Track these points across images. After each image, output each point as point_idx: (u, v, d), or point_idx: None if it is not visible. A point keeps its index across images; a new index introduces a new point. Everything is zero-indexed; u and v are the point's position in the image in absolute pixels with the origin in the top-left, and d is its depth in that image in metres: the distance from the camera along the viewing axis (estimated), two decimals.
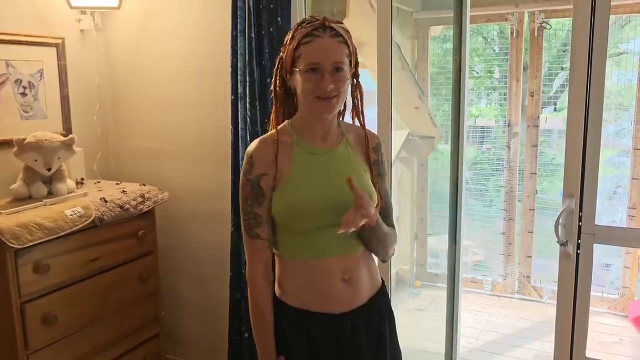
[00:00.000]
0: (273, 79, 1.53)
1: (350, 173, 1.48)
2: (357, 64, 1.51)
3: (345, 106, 1.56)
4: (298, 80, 1.43)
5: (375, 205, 1.52)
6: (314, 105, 1.43)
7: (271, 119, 1.58)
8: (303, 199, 1.44)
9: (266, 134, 1.54)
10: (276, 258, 1.56)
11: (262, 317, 1.50)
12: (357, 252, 1.51)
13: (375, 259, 1.62)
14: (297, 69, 1.42)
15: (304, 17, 1.52)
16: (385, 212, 1.60)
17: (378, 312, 1.56)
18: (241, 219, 1.51)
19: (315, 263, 1.47)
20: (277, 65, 1.51)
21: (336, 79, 1.40)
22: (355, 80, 1.52)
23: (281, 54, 1.50)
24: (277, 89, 1.52)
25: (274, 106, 1.57)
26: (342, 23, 1.47)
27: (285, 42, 1.48)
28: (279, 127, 1.53)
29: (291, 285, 1.51)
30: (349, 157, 1.53)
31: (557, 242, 2.00)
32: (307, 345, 1.48)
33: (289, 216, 1.46)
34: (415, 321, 4.35)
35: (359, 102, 1.55)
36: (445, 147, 5.12)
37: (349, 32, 1.47)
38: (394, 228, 1.63)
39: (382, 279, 1.63)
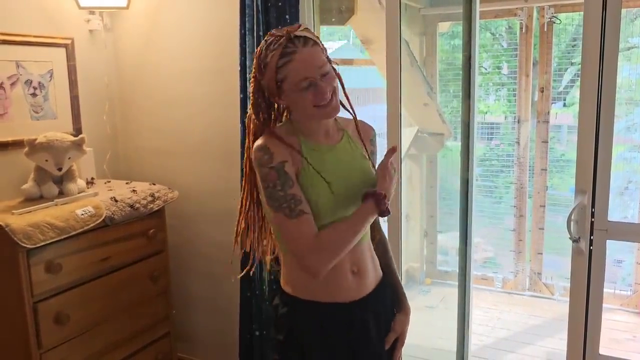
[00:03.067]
0: (251, 101, 1.48)
1: (357, 166, 1.53)
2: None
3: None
4: (293, 100, 1.41)
5: None
6: (317, 114, 1.42)
7: (248, 132, 1.53)
8: (318, 200, 1.43)
9: (267, 136, 1.48)
10: (282, 255, 1.57)
11: (334, 231, 1.42)
12: (363, 242, 1.53)
13: None
14: (286, 90, 1.39)
15: (265, 38, 1.43)
16: None
17: (382, 303, 1.59)
18: (276, 210, 1.40)
19: None
20: (255, 89, 1.46)
21: (327, 81, 1.40)
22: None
23: (258, 78, 1.44)
24: (261, 111, 1.48)
25: (248, 127, 1.53)
26: (299, 24, 1.45)
27: (259, 67, 1.42)
28: (276, 129, 1.49)
29: (300, 280, 1.51)
30: (352, 151, 1.55)
31: (570, 238, 1.98)
32: (318, 333, 1.49)
33: None
34: (425, 319, 4.33)
35: (342, 86, 1.51)
36: (454, 144, 5.11)
37: (310, 29, 1.45)
38: None
39: (383, 269, 1.65)
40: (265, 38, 1.43)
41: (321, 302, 1.49)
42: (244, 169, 1.58)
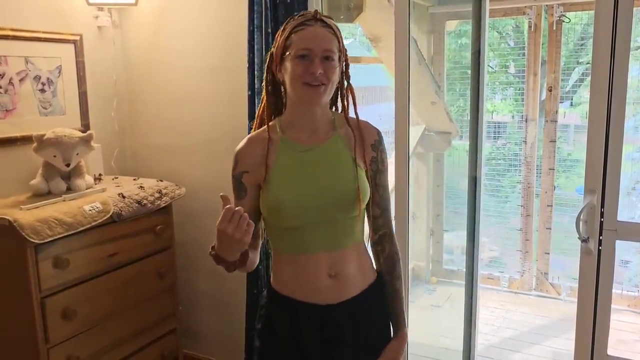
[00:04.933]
0: (264, 74, 1.53)
1: (337, 169, 1.48)
2: (347, 64, 1.50)
3: (338, 106, 1.56)
4: (287, 68, 1.42)
5: (367, 200, 1.51)
6: (302, 92, 1.41)
7: (257, 115, 1.59)
8: (284, 199, 1.44)
9: (255, 132, 1.54)
10: (272, 251, 1.59)
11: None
12: (345, 247, 1.50)
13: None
14: (287, 55, 1.42)
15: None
16: (383, 205, 1.58)
17: (367, 311, 1.54)
18: None
19: (301, 257, 1.48)
20: (268, 61, 1.51)
21: (326, 67, 1.40)
22: (346, 82, 1.52)
23: (272, 49, 1.50)
24: (267, 84, 1.52)
25: (261, 103, 1.56)
26: (332, 19, 1.48)
27: (276, 36, 1.49)
28: (270, 124, 1.52)
29: (281, 276, 1.54)
30: (338, 153, 1.50)
31: (579, 238, 1.97)
32: (292, 330, 1.50)
33: (273, 214, 1.47)
34: (431, 318, 4.33)
35: (354, 105, 1.53)
36: (460, 143, 5.09)
37: (340, 30, 1.47)
38: (391, 224, 1.61)
39: (378, 273, 1.60)
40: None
41: (297, 299, 1.49)
42: None
